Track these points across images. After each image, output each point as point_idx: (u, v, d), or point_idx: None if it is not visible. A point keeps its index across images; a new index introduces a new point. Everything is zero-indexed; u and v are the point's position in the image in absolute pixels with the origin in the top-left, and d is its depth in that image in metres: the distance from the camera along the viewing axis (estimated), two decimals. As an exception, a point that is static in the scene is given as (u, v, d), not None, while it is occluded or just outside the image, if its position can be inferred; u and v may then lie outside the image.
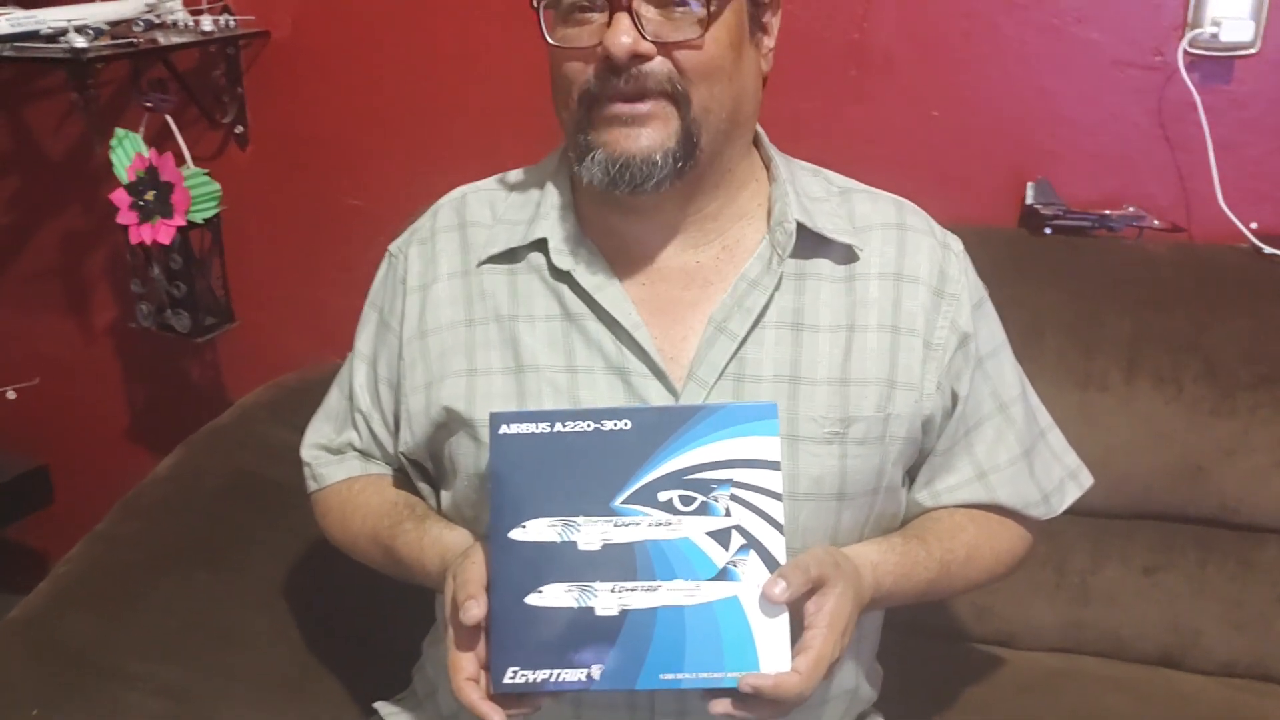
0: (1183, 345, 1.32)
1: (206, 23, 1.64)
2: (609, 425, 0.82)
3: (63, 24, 1.48)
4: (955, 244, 1.01)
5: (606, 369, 0.94)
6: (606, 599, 0.79)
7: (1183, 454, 1.32)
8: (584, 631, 0.79)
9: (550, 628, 0.79)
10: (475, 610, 0.79)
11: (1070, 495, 1.06)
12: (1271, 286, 1.36)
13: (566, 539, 0.80)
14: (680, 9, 0.86)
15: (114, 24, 1.57)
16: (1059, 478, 1.05)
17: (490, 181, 1.05)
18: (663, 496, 0.81)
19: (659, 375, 0.92)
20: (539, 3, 0.89)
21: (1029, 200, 1.48)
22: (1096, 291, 1.37)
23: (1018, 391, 1.03)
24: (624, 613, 0.79)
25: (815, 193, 0.99)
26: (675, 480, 0.81)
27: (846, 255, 0.96)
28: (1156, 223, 1.46)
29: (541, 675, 0.79)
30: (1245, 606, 1.33)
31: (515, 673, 0.79)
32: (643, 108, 0.87)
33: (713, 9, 0.86)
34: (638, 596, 0.79)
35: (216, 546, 1.29)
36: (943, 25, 1.49)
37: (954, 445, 1.00)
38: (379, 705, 1.12)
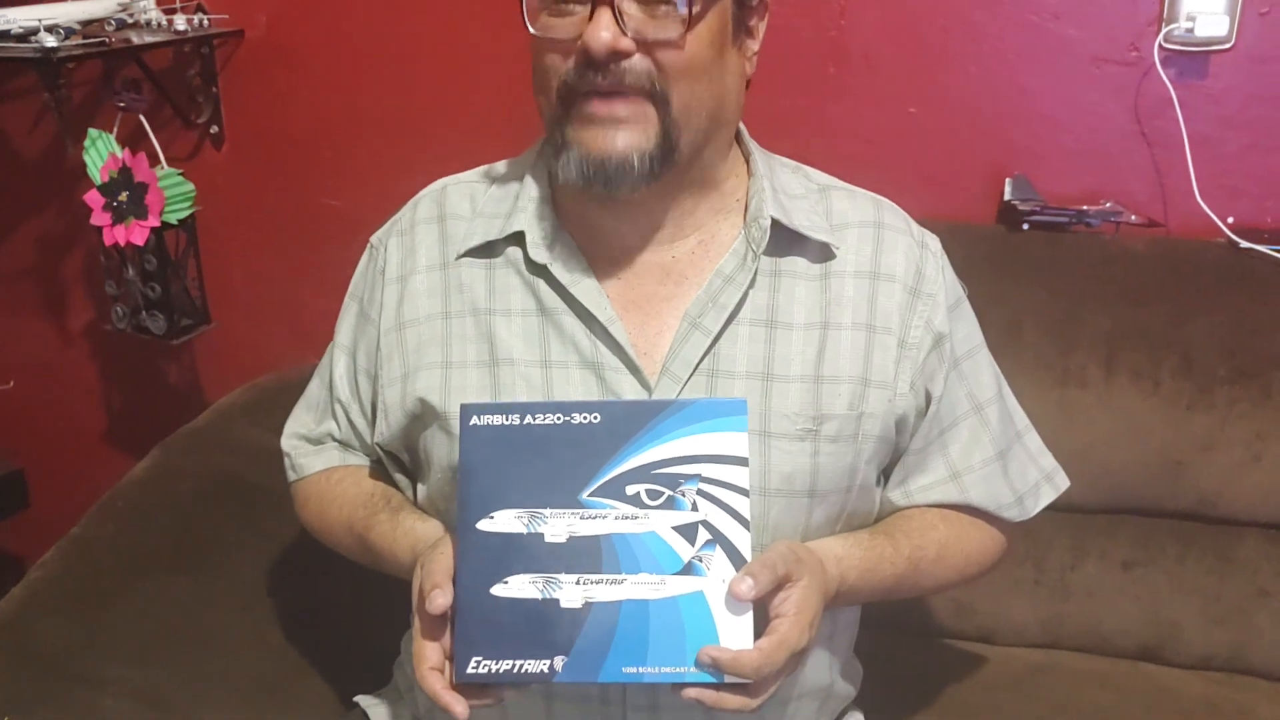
0: (1160, 340, 1.33)
1: (180, 22, 1.63)
2: (578, 418, 0.82)
3: (33, 23, 1.46)
4: (933, 243, 1.01)
5: (581, 364, 0.94)
6: (571, 591, 0.80)
7: (1161, 449, 1.32)
8: (548, 623, 0.79)
9: (515, 618, 0.79)
10: (440, 599, 0.79)
11: (1045, 498, 1.06)
12: (1248, 281, 1.37)
13: (533, 530, 0.80)
14: (663, 7, 0.85)
15: (86, 23, 1.56)
16: (1034, 480, 1.05)
17: (471, 174, 1.05)
18: (630, 490, 0.81)
19: (633, 370, 0.93)
20: None
21: (1007, 196, 1.48)
22: (1075, 287, 1.38)
23: (994, 392, 1.03)
24: (588, 605, 0.79)
25: (794, 189, 0.99)
26: (643, 474, 0.81)
27: (823, 253, 0.96)
28: (1134, 218, 1.46)
29: (504, 666, 0.79)
30: (1224, 600, 1.33)
31: (479, 663, 0.79)
32: (621, 109, 0.86)
33: (696, 9, 0.85)
34: (602, 589, 0.80)
35: (193, 549, 1.28)
36: (921, 23, 1.49)
37: (928, 445, 1.00)
38: (360, 699, 1.12)
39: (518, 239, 0.97)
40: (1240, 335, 1.32)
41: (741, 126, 1.00)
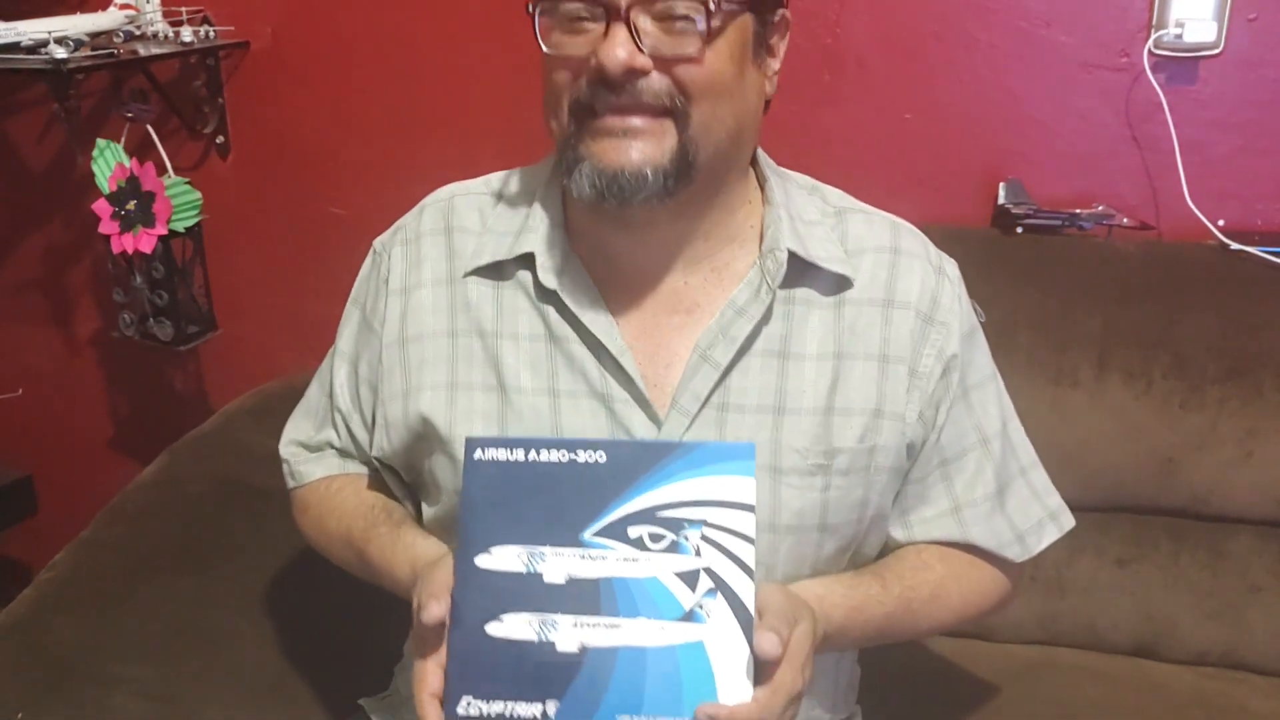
0: (1152, 340, 1.34)
1: (186, 34, 1.65)
2: (584, 457, 0.80)
3: (43, 35, 1.49)
4: (951, 269, 0.98)
5: (590, 394, 0.92)
6: (568, 634, 0.77)
7: (1153, 447, 1.34)
8: (543, 665, 0.77)
9: (509, 659, 0.77)
10: (435, 609, 0.77)
11: (1049, 537, 1.03)
12: (1238, 282, 1.38)
13: (532, 570, 0.78)
14: (681, 22, 0.82)
15: (94, 35, 1.58)
16: (1037, 518, 1.02)
17: (479, 184, 1.02)
18: (633, 532, 0.79)
19: (642, 403, 0.91)
20: (534, 8, 0.85)
21: (1001, 200, 1.49)
22: (1067, 289, 1.39)
23: (999, 426, 1.00)
24: (584, 649, 0.77)
25: (809, 215, 0.96)
26: (647, 516, 0.79)
27: (838, 283, 0.94)
28: (1126, 221, 1.48)
29: (496, 708, 0.77)
30: (1217, 596, 1.35)
31: (469, 703, 0.77)
32: (636, 121, 0.84)
33: (714, 24, 0.82)
34: (600, 634, 0.77)
35: (200, 551, 1.29)
36: (914, 30, 1.51)
37: (928, 475, 0.98)
38: (363, 701, 1.13)
39: (527, 260, 0.94)
40: (1231, 335, 1.33)
41: (759, 150, 0.97)
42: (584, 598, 0.78)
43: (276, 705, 1.17)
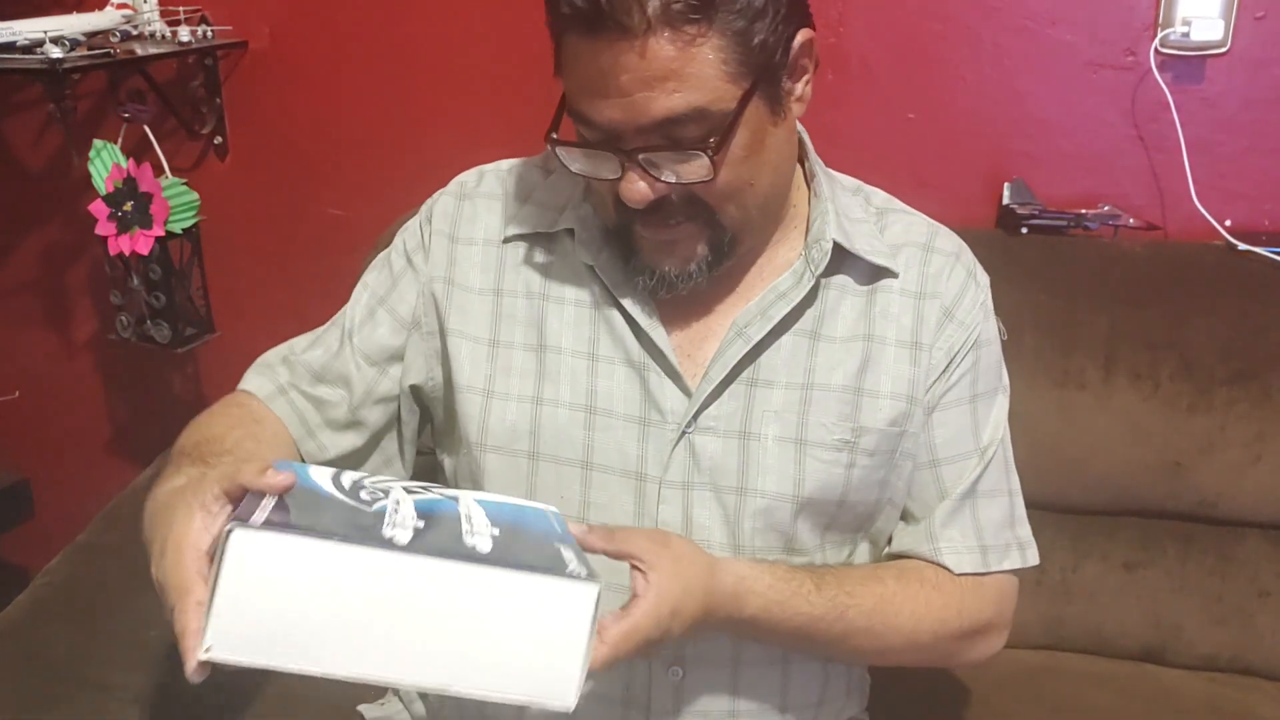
0: (1159, 342, 1.33)
1: (184, 33, 1.64)
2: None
3: (39, 35, 1.48)
4: (981, 277, 1.02)
5: (627, 362, 0.95)
6: (432, 496, 0.73)
7: (1161, 450, 1.33)
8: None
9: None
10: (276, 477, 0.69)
11: (1010, 561, 0.99)
12: (1246, 283, 1.37)
13: (381, 531, 0.67)
14: (688, 149, 0.83)
15: (91, 35, 1.57)
16: (1005, 541, 1.00)
17: (536, 159, 1.05)
18: (365, 495, 0.72)
19: (674, 375, 0.94)
20: (553, 136, 0.87)
21: (1006, 200, 1.49)
22: (1073, 290, 1.38)
23: (998, 438, 1.00)
24: (454, 498, 0.74)
25: (854, 213, 0.99)
26: (360, 484, 0.74)
27: (876, 273, 0.97)
28: (1132, 221, 1.47)
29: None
30: (1225, 601, 1.34)
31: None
32: (668, 234, 0.89)
33: (714, 144, 0.82)
34: (448, 492, 0.76)
35: (198, 556, 1.28)
36: (918, 29, 1.50)
37: (918, 470, 0.99)
38: (362, 708, 1.13)
39: (571, 233, 0.98)
40: (1239, 336, 1.33)
41: (808, 144, 0.99)
42: (445, 523, 0.71)
43: (274, 712, 1.16)
